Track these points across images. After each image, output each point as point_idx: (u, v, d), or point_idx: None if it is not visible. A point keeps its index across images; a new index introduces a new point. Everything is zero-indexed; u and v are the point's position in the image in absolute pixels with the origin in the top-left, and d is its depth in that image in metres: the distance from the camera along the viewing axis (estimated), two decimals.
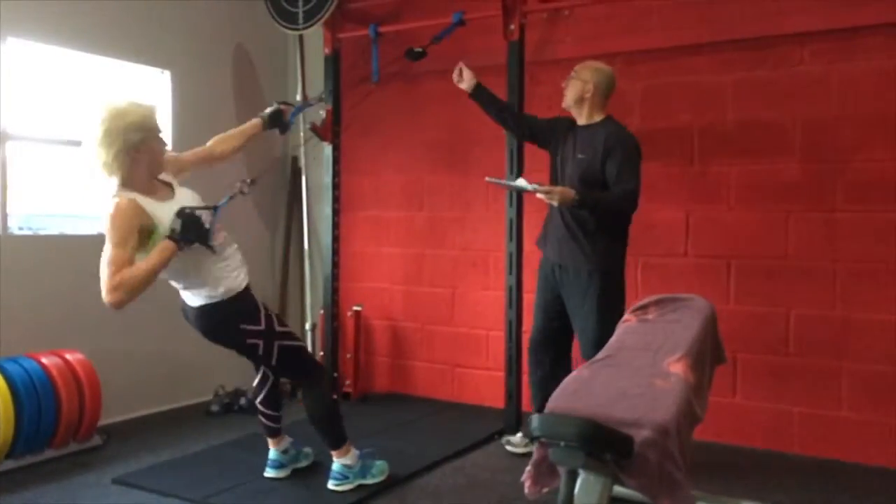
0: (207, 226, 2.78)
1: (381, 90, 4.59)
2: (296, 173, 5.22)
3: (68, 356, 3.65)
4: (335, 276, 4.71)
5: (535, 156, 3.92)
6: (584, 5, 4.14)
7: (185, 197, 2.89)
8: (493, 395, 4.40)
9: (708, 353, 2.81)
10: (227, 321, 2.95)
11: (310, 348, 4.92)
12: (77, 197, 4.13)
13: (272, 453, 3.37)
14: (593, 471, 2.27)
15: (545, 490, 2.52)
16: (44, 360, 3.54)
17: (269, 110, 3.37)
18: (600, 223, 3.41)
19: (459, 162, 4.64)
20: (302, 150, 5.04)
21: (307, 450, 3.50)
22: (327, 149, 4.65)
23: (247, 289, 3.00)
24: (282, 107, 3.41)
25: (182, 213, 2.74)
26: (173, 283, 2.96)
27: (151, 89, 4.45)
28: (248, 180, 3.02)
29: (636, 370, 2.61)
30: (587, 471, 2.28)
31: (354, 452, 3.22)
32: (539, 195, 3.35)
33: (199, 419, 4.36)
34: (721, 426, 3.78)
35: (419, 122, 4.81)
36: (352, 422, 3.78)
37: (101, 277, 2.58)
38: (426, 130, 4.80)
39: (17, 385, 3.37)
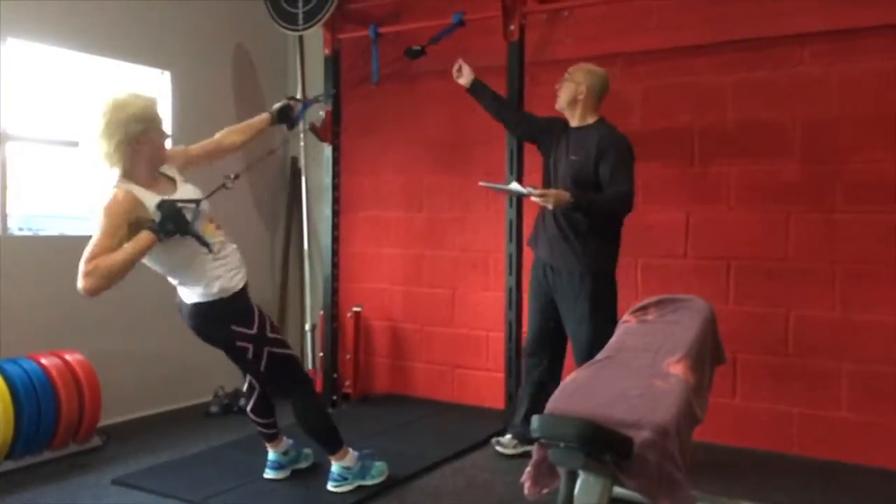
0: (189, 217, 2.77)
1: (381, 91, 4.59)
2: (295, 174, 5.22)
3: (68, 357, 3.65)
4: (335, 277, 4.71)
5: (535, 156, 3.91)
6: (583, 6, 4.15)
7: (188, 193, 2.89)
8: (492, 396, 4.40)
9: (708, 354, 2.81)
10: (219, 321, 2.93)
11: (309, 349, 4.93)
12: (77, 198, 4.13)
13: (271, 454, 3.37)
14: (593, 471, 2.27)
15: (545, 491, 2.52)
16: (43, 361, 3.54)
17: (277, 105, 3.41)
18: (592, 224, 3.42)
19: (459, 162, 4.64)
20: (302, 150, 5.04)
21: (307, 451, 3.50)
22: (327, 149, 4.65)
23: (243, 290, 2.99)
24: (290, 102, 3.44)
25: (162, 205, 2.73)
26: (171, 280, 2.96)
27: (151, 90, 4.44)
28: (233, 175, 3.02)
29: (636, 371, 2.61)
30: (587, 471, 2.27)
31: (353, 454, 3.22)
32: (534, 198, 3.36)
33: (198, 420, 4.36)
34: (721, 427, 3.77)
35: (419, 123, 4.81)
36: (351, 423, 3.80)
37: (80, 264, 2.58)
38: (426, 131, 4.80)
39: (16, 386, 3.36)
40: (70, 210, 4.19)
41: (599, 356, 2.81)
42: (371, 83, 4.40)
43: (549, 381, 3.63)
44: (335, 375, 4.70)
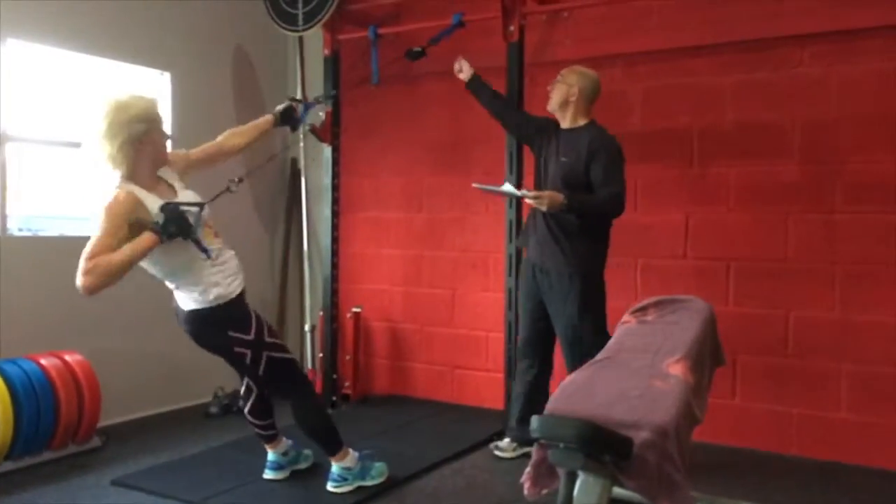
0: (192, 221, 2.78)
1: (381, 91, 4.59)
2: (295, 175, 5.22)
3: (67, 357, 3.65)
4: (334, 278, 4.71)
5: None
6: (583, 7, 4.15)
7: (188, 198, 2.88)
8: (492, 396, 4.39)
9: (707, 355, 2.81)
10: (216, 327, 2.93)
11: (309, 350, 4.93)
12: (77, 198, 4.13)
13: (271, 455, 3.37)
14: (592, 472, 2.27)
15: (544, 491, 2.52)
16: (43, 362, 3.54)
17: (280, 107, 3.40)
18: (581, 225, 3.44)
19: (459, 163, 4.64)
20: (301, 151, 5.04)
21: (307, 451, 3.50)
22: (327, 150, 4.65)
23: (240, 296, 2.98)
24: (293, 104, 3.43)
25: (165, 208, 2.74)
26: (168, 284, 2.96)
27: (151, 91, 4.45)
28: (237, 179, 3.04)
29: (635, 371, 2.61)
30: (586, 472, 2.28)
31: (353, 454, 3.22)
32: (528, 200, 3.37)
33: (197, 421, 4.36)
34: (720, 427, 3.77)
35: (419, 124, 4.81)
36: (351, 423, 3.79)
37: (80, 262, 2.58)
38: (426, 132, 4.80)
39: (15, 386, 3.36)
40: (70, 211, 4.18)
41: (599, 357, 2.81)
42: (371, 84, 4.40)
43: (541, 381, 3.65)
44: (335, 376, 4.69)
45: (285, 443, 3.41)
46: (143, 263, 2.77)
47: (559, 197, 3.30)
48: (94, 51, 4.16)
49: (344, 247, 4.85)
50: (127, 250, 2.63)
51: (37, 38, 3.90)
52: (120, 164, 2.71)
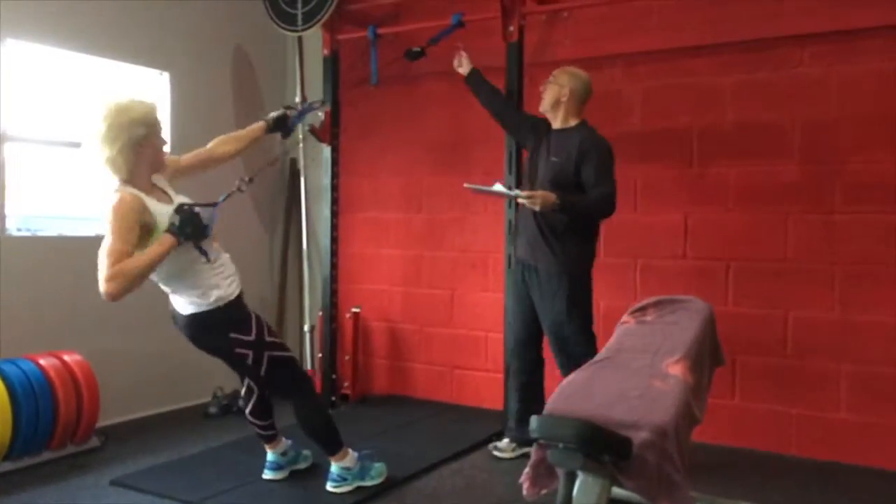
0: (206, 222, 2.80)
1: (380, 92, 4.59)
2: (294, 175, 5.22)
3: (66, 357, 3.64)
4: (334, 278, 4.70)
5: None
6: (583, 7, 4.15)
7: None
8: (492, 396, 4.39)
9: (707, 355, 2.81)
10: (217, 329, 2.92)
11: (308, 350, 4.93)
12: (76, 198, 4.13)
13: (270, 455, 3.37)
14: (592, 472, 2.27)
15: (544, 492, 2.52)
16: (41, 362, 3.54)
17: (274, 114, 3.37)
18: (570, 225, 3.45)
19: (459, 163, 4.64)
20: (301, 151, 5.03)
21: (306, 452, 3.49)
22: (326, 150, 4.65)
23: (239, 297, 2.98)
24: (287, 112, 3.41)
25: (181, 209, 2.77)
26: (164, 287, 2.95)
27: (150, 91, 4.45)
28: (247, 179, 3.05)
29: (635, 372, 2.61)
30: (585, 472, 2.28)
31: (353, 455, 3.22)
32: (521, 200, 3.39)
33: (197, 421, 4.36)
34: (720, 428, 3.77)
35: (418, 124, 4.81)
36: (350, 424, 3.79)
37: (99, 268, 2.57)
38: (425, 132, 4.80)
39: (14, 387, 3.36)
40: (69, 211, 4.18)
41: (598, 357, 2.81)
42: (370, 84, 4.40)
43: (534, 380, 3.66)
44: (334, 376, 4.69)
45: (284, 443, 3.41)
46: None
47: (552, 197, 3.31)
48: (94, 51, 4.15)
49: (343, 247, 4.84)
50: (148, 254, 2.64)
51: (36, 37, 3.89)
52: (119, 167, 2.70)
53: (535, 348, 3.67)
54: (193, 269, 2.85)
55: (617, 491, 2.51)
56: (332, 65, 4.62)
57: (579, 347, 3.43)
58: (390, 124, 4.89)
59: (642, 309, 3.02)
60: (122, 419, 4.19)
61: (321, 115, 4.51)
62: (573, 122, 3.54)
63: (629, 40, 4.07)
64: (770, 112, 3.81)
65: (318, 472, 3.37)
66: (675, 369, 2.57)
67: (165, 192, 2.89)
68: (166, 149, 2.95)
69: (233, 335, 2.93)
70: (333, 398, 4.65)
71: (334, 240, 4.69)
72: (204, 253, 2.83)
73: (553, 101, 3.54)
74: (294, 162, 5.23)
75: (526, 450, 3.53)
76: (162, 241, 2.69)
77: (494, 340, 4.43)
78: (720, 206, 3.92)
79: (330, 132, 4.58)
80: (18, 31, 3.80)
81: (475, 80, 3.84)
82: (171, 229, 2.71)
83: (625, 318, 3.05)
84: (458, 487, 3.33)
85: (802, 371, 3.74)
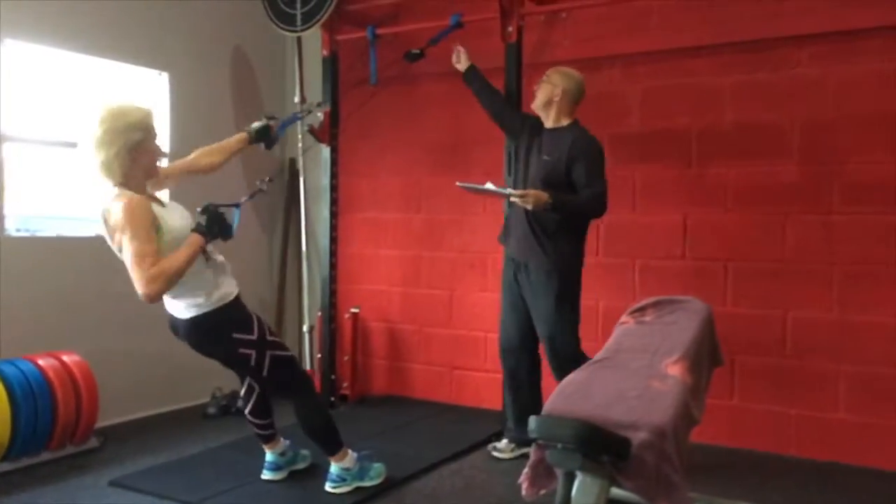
0: (230, 222, 2.84)
1: (380, 92, 4.59)
2: (294, 175, 5.22)
3: (65, 358, 3.64)
4: (333, 278, 4.70)
5: None
6: (582, 7, 4.15)
7: (176, 209, 2.89)
8: (491, 396, 4.39)
9: (705, 356, 2.81)
10: (220, 330, 2.92)
11: (307, 350, 4.93)
12: (75, 199, 4.12)
13: (269, 455, 3.37)
14: (590, 473, 2.28)
15: (542, 492, 2.53)
16: (40, 362, 3.53)
17: (256, 125, 3.34)
18: (561, 224, 3.46)
19: (458, 164, 4.64)
20: (300, 151, 5.03)
21: (304, 452, 3.49)
22: (325, 151, 4.65)
23: (239, 297, 2.99)
24: (270, 122, 3.37)
25: (207, 209, 2.78)
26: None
27: (150, 91, 4.45)
28: (268, 178, 3.13)
29: (634, 372, 2.61)
30: (584, 472, 2.28)
31: (352, 455, 3.22)
32: (513, 199, 3.39)
33: (196, 421, 4.36)
34: (718, 428, 3.78)
35: (417, 124, 4.81)
36: (349, 424, 3.78)
37: (136, 271, 2.58)
38: (424, 132, 4.80)
39: (13, 387, 3.36)
40: (68, 211, 4.18)
41: (597, 357, 2.81)
42: (369, 84, 4.40)
43: (528, 379, 3.66)
44: (333, 377, 4.69)
45: (283, 443, 3.41)
46: None
47: (544, 196, 3.33)
48: (93, 51, 4.15)
49: (342, 247, 4.84)
50: (183, 253, 2.66)
51: (35, 38, 3.89)
52: (115, 171, 2.69)
53: (528, 345, 3.66)
54: (195, 269, 2.85)
55: (616, 491, 2.51)
56: (332, 65, 4.62)
57: (569, 346, 3.44)
58: (389, 125, 4.89)
59: (641, 309, 3.02)
60: (120, 420, 4.19)
61: (320, 115, 4.51)
62: (565, 122, 3.56)
63: (628, 41, 4.07)
64: (769, 112, 3.81)
65: (317, 472, 3.37)
66: (674, 370, 2.57)
67: (157, 199, 2.89)
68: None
69: (236, 335, 2.93)
70: (332, 398, 4.65)
71: (333, 240, 4.69)
72: (204, 252, 2.83)
73: (545, 100, 3.55)
74: (293, 162, 5.23)
75: (525, 450, 3.53)
76: (192, 241, 2.71)
77: (493, 341, 4.41)
78: (719, 206, 3.93)
79: (329, 132, 4.58)
80: (18, 31, 3.80)
81: (472, 76, 3.85)
82: (198, 229, 2.74)
83: (624, 318, 3.05)
84: (457, 488, 3.33)
85: (801, 371, 3.74)
